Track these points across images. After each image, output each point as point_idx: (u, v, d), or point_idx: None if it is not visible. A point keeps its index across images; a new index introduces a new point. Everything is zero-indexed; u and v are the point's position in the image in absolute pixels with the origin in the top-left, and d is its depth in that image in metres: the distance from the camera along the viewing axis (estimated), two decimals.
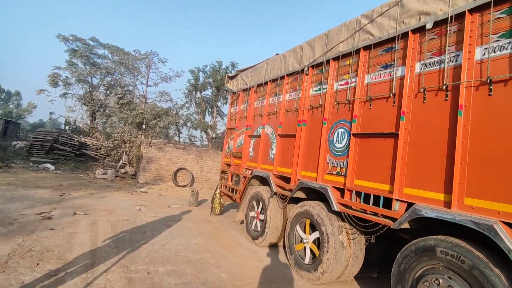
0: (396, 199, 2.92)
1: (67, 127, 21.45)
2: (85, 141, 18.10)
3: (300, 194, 4.37)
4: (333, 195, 3.62)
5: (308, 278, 3.76)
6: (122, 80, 21.20)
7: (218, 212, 7.24)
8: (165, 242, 4.70)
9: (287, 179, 4.82)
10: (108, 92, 20.88)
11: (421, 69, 2.93)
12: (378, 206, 3.11)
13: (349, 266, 3.65)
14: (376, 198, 3.17)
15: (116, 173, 12.39)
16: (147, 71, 21.22)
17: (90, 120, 21.30)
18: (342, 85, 3.90)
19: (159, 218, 6.33)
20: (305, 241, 3.95)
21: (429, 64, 2.86)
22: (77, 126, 21.93)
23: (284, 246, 5.14)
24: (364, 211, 3.30)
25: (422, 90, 2.85)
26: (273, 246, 5.12)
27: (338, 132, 3.82)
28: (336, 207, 3.54)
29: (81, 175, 12.16)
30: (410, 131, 2.93)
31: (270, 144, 5.33)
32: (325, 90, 4.18)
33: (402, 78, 3.10)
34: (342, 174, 3.65)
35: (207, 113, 19.50)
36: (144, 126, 18.14)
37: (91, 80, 20.69)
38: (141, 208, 7.06)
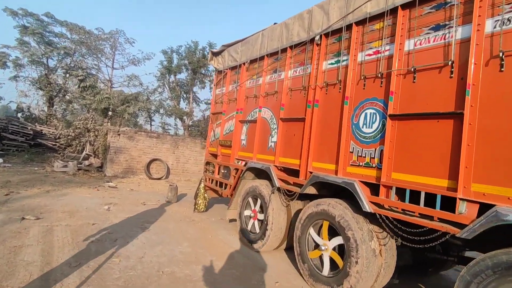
0: (462, 199, 2.23)
1: (19, 114, 19.02)
2: (41, 130, 16.09)
3: (310, 190, 3.61)
4: (363, 192, 2.90)
5: None
6: (84, 62, 19.03)
7: (202, 209, 6.34)
8: (143, 253, 3.75)
9: (292, 172, 4.04)
10: (67, 75, 18.67)
11: (495, 26, 2.22)
12: (432, 207, 2.42)
13: (380, 278, 2.99)
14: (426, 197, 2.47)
15: (78, 165, 10.92)
16: (112, 53, 19.24)
17: (47, 107, 19.05)
18: (370, 55, 3.13)
19: (133, 219, 5.30)
20: (323, 248, 3.22)
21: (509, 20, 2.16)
22: (31, 113, 19.56)
23: (286, 249, 4.40)
24: (403, 212, 2.61)
25: (499, 55, 2.15)
26: (274, 250, 4.35)
27: (366, 113, 3.07)
28: (368, 207, 2.82)
29: (36, 168, 10.56)
30: (478, 110, 2.24)
31: (269, 130, 4.49)
32: (345, 63, 3.39)
33: (464, 41, 2.38)
34: (374, 165, 2.92)
35: (182, 99, 18.11)
36: (110, 113, 16.45)
37: (47, 61, 18.35)
38: (110, 207, 5.96)
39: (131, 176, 11.16)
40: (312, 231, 3.45)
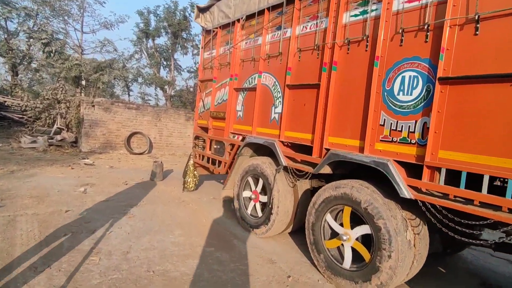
0: None
1: None
2: (5, 101, 14.51)
3: (325, 170, 3.07)
4: (399, 174, 2.38)
5: None
6: (49, 25, 16.94)
7: (192, 188, 5.76)
8: (128, 247, 3.16)
9: (300, 148, 3.47)
10: (31, 40, 16.64)
11: None
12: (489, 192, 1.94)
13: (412, 270, 2.58)
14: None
15: (49, 140, 9.88)
16: (81, 14, 17.22)
17: (11, 76, 17.15)
18: (411, 1, 2.47)
19: (115, 203, 4.65)
20: (344, 237, 2.74)
21: None
22: None
23: (291, 232, 3.95)
24: (452, 199, 2.13)
25: None
26: (278, 235, 3.89)
27: (404, 77, 2.47)
28: (407, 192, 2.31)
29: (0, 144, 9.44)
30: None
31: (272, 100, 3.83)
32: (375, 13, 2.71)
33: None
34: (413, 142, 2.38)
35: (162, 66, 16.72)
36: (83, 82, 14.99)
37: (6, 24, 16.22)
38: (86, 189, 5.24)
39: (110, 152, 10.29)
40: (329, 218, 2.96)
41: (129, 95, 16.68)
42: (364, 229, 2.65)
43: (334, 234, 2.95)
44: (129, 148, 10.52)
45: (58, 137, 10.33)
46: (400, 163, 2.48)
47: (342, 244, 2.82)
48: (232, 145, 4.51)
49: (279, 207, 3.52)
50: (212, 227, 4.02)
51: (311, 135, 3.24)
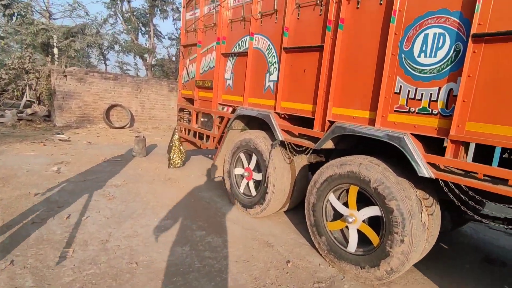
0: None
1: None
2: None
3: (327, 144, 2.74)
4: (418, 150, 2.07)
5: (360, 276, 2.42)
6: None
7: (179, 165, 5.37)
8: (107, 234, 2.81)
9: (299, 120, 3.12)
10: None
11: None
12: None
13: (423, 253, 2.38)
14: None
15: (19, 114, 9.07)
16: None
17: None
18: None
19: (93, 182, 4.22)
20: (349, 219, 2.48)
21: None
22: None
23: (287, 211, 3.69)
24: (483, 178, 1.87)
25: None
26: (274, 214, 3.63)
27: (427, 35, 2.08)
28: (426, 171, 2.03)
29: None
30: None
31: (266, 66, 3.38)
32: None
33: None
34: (435, 112, 2.05)
35: (140, 33, 15.46)
36: (55, 51, 13.72)
37: None
38: (60, 168, 4.76)
39: (88, 126, 9.61)
40: (332, 198, 2.68)
41: (105, 64, 15.49)
42: (373, 211, 2.38)
43: (338, 216, 2.69)
44: (108, 121, 9.86)
45: (29, 110, 9.49)
46: (417, 137, 2.17)
47: (347, 227, 2.57)
48: (222, 118, 4.09)
49: (275, 185, 3.21)
50: (202, 208, 3.71)
51: (312, 105, 2.86)
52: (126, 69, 16.26)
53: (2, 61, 14.14)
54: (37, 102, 10.28)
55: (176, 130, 5.30)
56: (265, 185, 3.31)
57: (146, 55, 14.57)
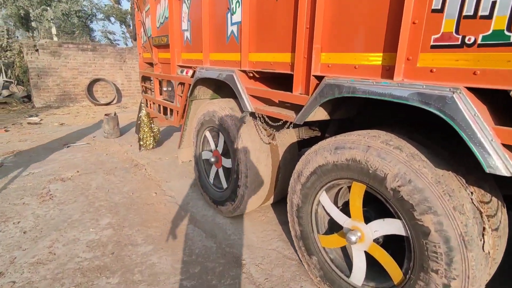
0: None
1: None
2: None
3: (317, 114, 1.71)
4: (482, 120, 1.03)
5: None
6: None
7: (151, 146, 4.47)
8: (8, 261, 2.00)
9: (275, 80, 2.08)
10: None
11: None
12: None
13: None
14: None
15: None
16: None
17: None
18: None
19: (36, 177, 3.42)
20: (352, 236, 1.51)
21: None
22: None
23: (274, 203, 2.77)
24: None
25: None
26: (255, 209, 2.72)
27: None
28: (502, 164, 1.00)
29: None
30: None
31: (227, 5, 2.27)
32: None
33: None
34: None
35: None
36: (33, 24, 12.60)
37: None
38: (6, 158, 3.97)
39: (70, 105, 8.79)
40: (325, 199, 1.71)
41: (90, 35, 14.25)
42: (391, 227, 1.41)
43: (335, 226, 1.74)
44: (91, 98, 8.98)
45: (5, 92, 8.72)
46: (478, 94, 1.11)
47: (350, 247, 1.62)
48: (183, 85, 3.07)
49: (248, 176, 2.26)
50: (163, 206, 2.84)
51: (289, 54, 1.79)
52: (115, 40, 15.03)
53: None
54: (16, 82, 9.45)
55: (142, 105, 4.34)
56: (235, 175, 2.37)
57: (128, 19, 13.15)
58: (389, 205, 1.36)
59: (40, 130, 5.70)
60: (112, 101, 9.34)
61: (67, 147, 4.64)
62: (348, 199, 1.62)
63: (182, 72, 3.01)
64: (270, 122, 2.04)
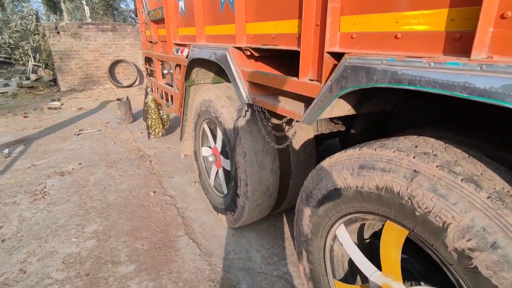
0: None
1: None
2: None
3: (336, 109, 1.15)
4: None
5: None
6: None
7: (160, 134, 4.13)
8: None
9: (292, 59, 1.52)
10: None
11: None
12: None
13: None
14: None
15: (24, 81, 8.49)
16: None
17: None
18: None
19: (37, 170, 3.23)
20: None
21: None
22: None
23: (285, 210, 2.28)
24: None
25: None
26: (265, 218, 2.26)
27: None
28: None
29: None
30: None
31: None
32: None
33: None
34: None
35: None
36: (63, 6, 12.68)
37: None
38: (14, 149, 3.86)
39: (93, 88, 8.77)
40: (343, 236, 1.18)
41: (113, 15, 14.05)
42: None
43: (357, 274, 1.22)
44: (113, 80, 8.87)
45: (33, 76, 8.88)
46: None
47: None
48: (179, 67, 2.59)
49: (248, 185, 1.78)
50: (158, 210, 2.49)
51: (296, 22, 1.21)
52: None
53: (7, 20, 13.55)
54: (44, 66, 9.60)
55: (148, 90, 3.96)
56: (234, 183, 1.90)
57: None
58: (447, 269, 0.82)
59: (58, 116, 5.62)
60: (134, 83, 9.19)
61: (78, 134, 4.46)
62: (379, 230, 1.10)
63: (177, 51, 2.52)
64: (272, 119, 1.52)
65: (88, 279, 1.75)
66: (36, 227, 2.25)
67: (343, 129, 1.96)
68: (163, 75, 3.28)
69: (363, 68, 0.89)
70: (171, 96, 2.99)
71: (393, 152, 0.91)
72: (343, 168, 1.06)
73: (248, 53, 1.58)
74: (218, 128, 2.05)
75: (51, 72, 9.31)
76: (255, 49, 1.55)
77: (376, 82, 0.86)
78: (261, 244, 2.04)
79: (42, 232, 2.19)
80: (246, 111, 1.64)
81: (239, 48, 1.61)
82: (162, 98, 3.31)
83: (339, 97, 1.04)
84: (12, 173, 3.17)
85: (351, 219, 1.11)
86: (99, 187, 2.86)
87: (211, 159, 2.19)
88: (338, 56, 1.03)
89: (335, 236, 1.21)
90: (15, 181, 2.99)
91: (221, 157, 2.13)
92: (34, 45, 10.01)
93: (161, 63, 3.21)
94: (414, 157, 0.86)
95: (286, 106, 1.35)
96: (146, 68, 3.85)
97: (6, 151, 3.75)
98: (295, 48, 1.22)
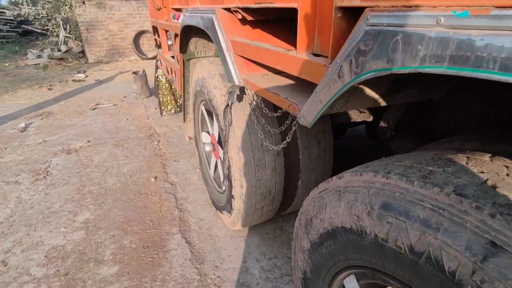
0: None
1: None
2: (25, 13, 13.37)
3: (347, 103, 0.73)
4: None
5: None
6: None
7: (173, 111, 3.87)
8: None
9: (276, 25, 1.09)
10: None
11: None
12: None
13: None
14: None
15: (55, 53, 8.63)
16: None
17: None
18: None
19: (47, 146, 3.16)
20: None
21: None
22: None
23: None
24: None
25: None
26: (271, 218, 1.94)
27: None
28: None
29: (8, 63, 8.58)
30: None
31: None
32: None
33: None
34: None
35: None
36: None
37: None
38: (31, 124, 3.84)
39: (119, 59, 8.70)
40: (352, 286, 0.81)
41: None
42: None
43: None
44: (138, 52, 8.71)
45: (63, 47, 8.99)
46: None
47: None
48: (177, 36, 2.21)
49: (244, 186, 1.44)
50: (156, 199, 2.26)
51: None
52: None
53: None
54: (73, 37, 9.67)
55: (159, 64, 3.65)
56: (228, 181, 1.57)
57: None
58: None
59: (79, 89, 5.59)
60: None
61: (94, 109, 4.36)
62: None
63: (174, 17, 2.13)
64: (267, 110, 1.12)
65: (66, 279, 1.58)
66: (29, 211, 2.14)
67: (370, 119, 1.50)
68: (169, 47, 2.93)
69: (398, 35, 0.47)
70: (174, 71, 2.65)
71: (450, 196, 0.50)
72: (356, 199, 0.67)
73: (240, 16, 1.16)
74: (213, 113, 1.69)
75: (80, 44, 9.36)
76: (248, 11, 1.12)
77: (424, 63, 0.43)
78: (262, 251, 1.73)
79: (33, 218, 2.06)
80: (237, 95, 1.25)
81: (229, 10, 1.19)
82: (169, 72, 2.99)
83: (361, 84, 0.63)
84: (23, 149, 3.12)
85: (366, 274, 0.73)
86: (101, 168, 2.70)
87: (208, 148, 1.85)
88: (355, 14, 0.60)
89: (342, 286, 0.84)
90: (23, 158, 2.93)
91: (219, 147, 1.79)
92: (65, 15, 10.07)
93: (166, 33, 2.85)
94: (493, 216, 0.44)
95: (280, 95, 0.95)
96: (155, 39, 3.52)
97: (23, 125, 3.73)
98: (293, 4, 0.79)
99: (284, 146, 1.01)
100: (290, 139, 0.99)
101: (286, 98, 0.90)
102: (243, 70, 1.19)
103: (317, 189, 0.85)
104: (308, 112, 0.76)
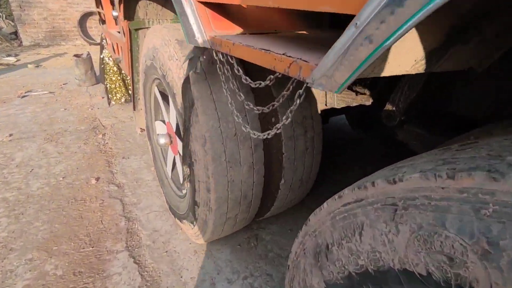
0: None
1: None
2: None
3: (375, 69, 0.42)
4: None
5: None
6: None
7: (124, 99, 3.33)
8: None
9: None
10: None
11: None
12: None
13: None
14: None
15: None
16: None
17: None
18: None
19: None
20: None
21: None
22: None
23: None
24: None
25: None
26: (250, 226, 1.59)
27: None
28: None
29: None
30: None
31: None
32: None
33: None
34: None
35: None
36: None
37: None
38: None
39: (61, 43, 7.65)
40: None
41: None
42: None
43: None
44: (85, 37, 7.74)
45: None
46: None
47: None
48: (120, 2, 1.75)
49: (211, 190, 1.07)
50: (97, 206, 1.79)
51: None
52: None
53: None
54: (4, 16, 8.30)
55: (103, 42, 3.08)
56: (190, 182, 1.19)
57: None
58: None
59: (8, 73, 4.69)
60: None
61: (23, 97, 3.61)
62: None
63: None
64: (248, 79, 0.76)
65: None
66: None
67: (369, 102, 1.23)
68: (116, 21, 2.42)
69: None
70: (121, 48, 2.16)
71: None
72: (439, 222, 0.35)
73: None
74: (169, 94, 1.29)
75: (12, 23, 8.06)
76: None
77: None
78: (235, 269, 1.38)
79: None
80: (201, 62, 0.88)
81: None
82: (115, 51, 2.47)
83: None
84: None
85: None
86: (24, 169, 2.12)
87: (163, 140, 1.44)
88: None
89: None
90: None
91: (178, 139, 1.40)
92: None
93: (110, 1, 2.33)
94: None
95: (276, 48, 0.60)
96: (98, 12, 2.95)
97: None
98: None
99: (278, 131, 0.68)
100: (290, 118, 0.65)
101: (284, 54, 0.56)
102: (210, 27, 0.82)
103: (339, 198, 0.52)
104: (334, 68, 0.42)
